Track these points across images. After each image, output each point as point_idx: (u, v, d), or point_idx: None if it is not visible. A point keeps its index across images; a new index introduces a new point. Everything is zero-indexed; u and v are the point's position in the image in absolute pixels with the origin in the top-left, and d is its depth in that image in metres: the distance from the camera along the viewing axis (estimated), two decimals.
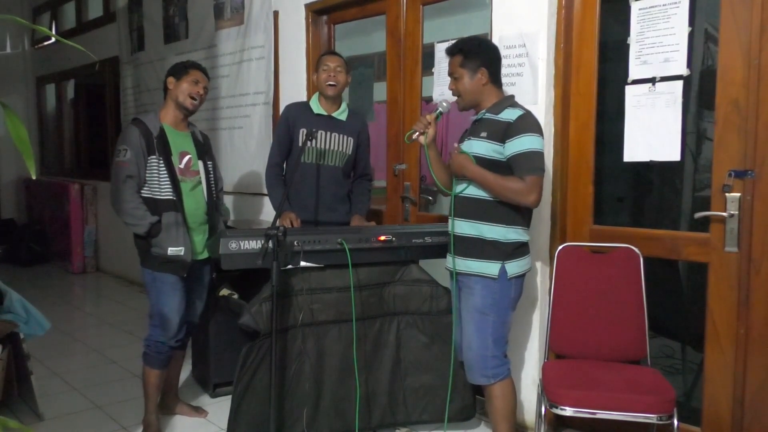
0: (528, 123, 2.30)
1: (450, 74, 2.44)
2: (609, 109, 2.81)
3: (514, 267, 2.36)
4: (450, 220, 2.45)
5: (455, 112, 2.63)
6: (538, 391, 2.50)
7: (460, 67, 2.38)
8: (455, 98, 2.47)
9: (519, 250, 2.38)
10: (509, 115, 2.32)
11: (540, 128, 2.33)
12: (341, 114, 3.02)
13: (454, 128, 3.83)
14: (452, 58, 2.41)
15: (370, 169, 3.20)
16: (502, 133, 2.30)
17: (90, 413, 3.15)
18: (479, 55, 2.37)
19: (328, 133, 2.98)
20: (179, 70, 2.79)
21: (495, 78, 2.41)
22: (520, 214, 2.37)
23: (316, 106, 3.01)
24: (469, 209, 2.39)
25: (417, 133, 2.43)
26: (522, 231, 2.38)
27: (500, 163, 2.30)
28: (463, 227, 2.40)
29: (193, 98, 2.77)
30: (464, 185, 2.41)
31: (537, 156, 2.27)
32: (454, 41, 2.51)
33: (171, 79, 2.79)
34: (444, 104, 2.48)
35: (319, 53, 3.87)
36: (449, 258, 2.47)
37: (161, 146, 2.69)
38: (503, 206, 2.33)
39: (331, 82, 2.94)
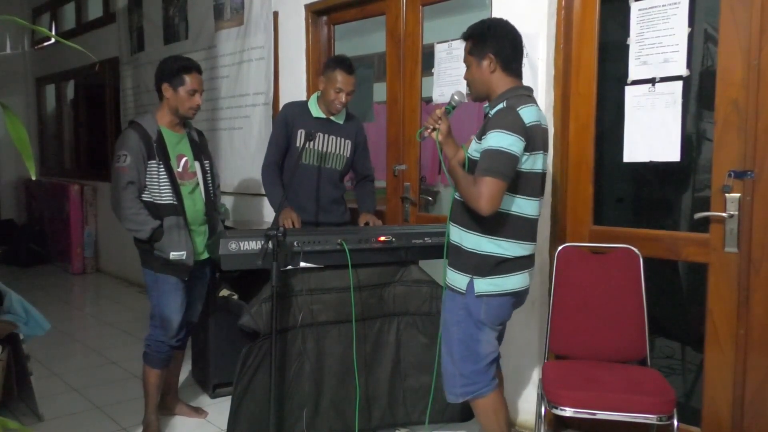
0: (501, 119, 2.01)
1: (464, 62, 2.23)
2: (609, 109, 2.81)
3: (485, 285, 2.09)
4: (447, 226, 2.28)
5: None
6: (538, 392, 2.50)
7: (469, 54, 2.17)
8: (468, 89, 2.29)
9: (500, 266, 2.08)
10: (496, 109, 2.09)
11: (516, 126, 1.98)
12: (339, 117, 3.01)
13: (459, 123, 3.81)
14: (465, 44, 2.19)
15: (371, 169, 3.20)
16: (483, 130, 2.08)
17: (90, 414, 3.15)
18: (487, 40, 2.12)
19: (327, 136, 2.98)
20: (173, 76, 2.69)
21: (507, 65, 2.12)
22: (508, 224, 2.08)
23: (316, 110, 2.99)
24: (455, 213, 2.21)
25: (428, 130, 2.17)
26: (506, 244, 2.08)
27: None
28: (452, 233, 2.22)
29: (193, 109, 2.75)
30: None
31: (497, 156, 1.94)
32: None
33: (166, 86, 2.71)
34: (456, 97, 2.22)
35: (318, 54, 3.88)
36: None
37: (160, 151, 2.68)
38: None
39: (340, 105, 2.91)
